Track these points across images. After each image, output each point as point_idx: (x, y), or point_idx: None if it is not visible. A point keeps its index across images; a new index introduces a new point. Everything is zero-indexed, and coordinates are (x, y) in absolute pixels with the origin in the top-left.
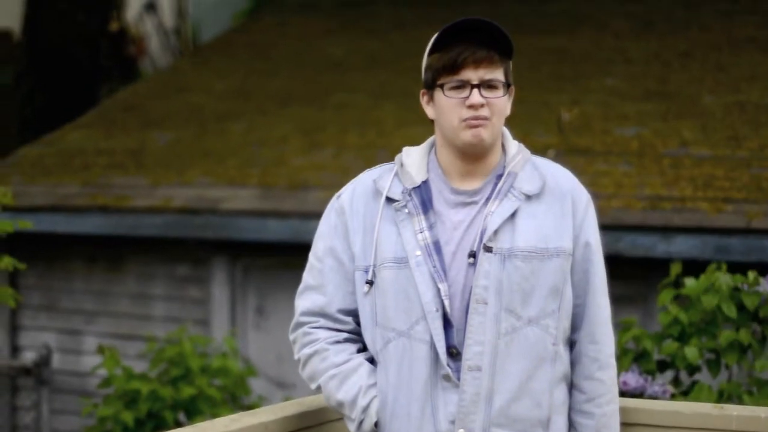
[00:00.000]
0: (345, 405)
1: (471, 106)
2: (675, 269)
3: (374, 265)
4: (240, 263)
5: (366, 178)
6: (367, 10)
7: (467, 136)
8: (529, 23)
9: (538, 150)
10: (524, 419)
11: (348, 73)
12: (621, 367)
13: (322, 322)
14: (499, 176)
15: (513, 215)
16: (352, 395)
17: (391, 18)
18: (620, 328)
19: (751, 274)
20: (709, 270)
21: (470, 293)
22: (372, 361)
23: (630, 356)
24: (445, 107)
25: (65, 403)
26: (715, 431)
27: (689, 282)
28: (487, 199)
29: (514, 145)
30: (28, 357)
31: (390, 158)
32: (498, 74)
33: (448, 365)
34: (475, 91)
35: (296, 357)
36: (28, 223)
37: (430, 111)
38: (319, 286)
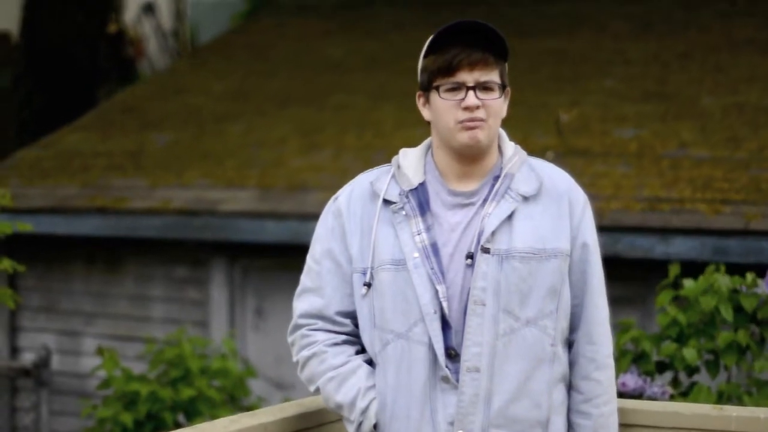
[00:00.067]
0: (344, 407)
1: (467, 108)
2: (674, 270)
3: (372, 267)
4: (239, 264)
5: (363, 180)
6: (365, 12)
7: (463, 137)
8: (528, 24)
9: (536, 151)
10: (523, 420)
11: (347, 75)
12: (620, 369)
13: (321, 324)
14: (496, 178)
15: (510, 216)
16: (351, 397)
17: (390, 19)
18: (619, 329)
19: (750, 276)
20: (707, 271)
21: (468, 295)
22: (370, 362)
23: (629, 357)
24: (441, 109)
25: (64, 404)
26: None
27: (688, 283)
28: (484, 201)
29: (510, 147)
30: (28, 358)
31: (389, 159)
32: (493, 76)
33: (447, 367)
34: (471, 93)
35: (295, 359)
36: (27, 226)
37: (426, 113)
38: (316, 289)
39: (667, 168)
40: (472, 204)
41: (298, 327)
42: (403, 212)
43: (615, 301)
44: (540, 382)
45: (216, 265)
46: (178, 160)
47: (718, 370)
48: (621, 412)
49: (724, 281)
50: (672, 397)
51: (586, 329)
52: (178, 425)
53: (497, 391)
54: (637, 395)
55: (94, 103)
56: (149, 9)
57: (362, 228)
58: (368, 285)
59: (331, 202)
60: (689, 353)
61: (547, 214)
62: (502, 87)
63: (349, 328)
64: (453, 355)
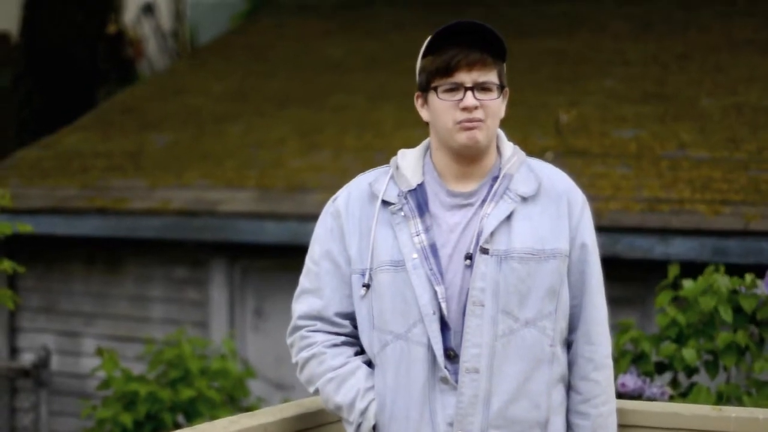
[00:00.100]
0: (343, 408)
1: (465, 109)
2: (673, 271)
3: (371, 269)
4: (238, 265)
5: (362, 182)
6: (365, 12)
7: (462, 138)
8: (528, 25)
9: (536, 152)
10: (522, 421)
11: (346, 75)
12: (619, 369)
13: (320, 325)
14: (495, 178)
15: (509, 217)
16: (350, 398)
17: (390, 19)
18: (618, 329)
19: (749, 277)
20: (707, 272)
21: (467, 295)
22: (369, 364)
23: (628, 358)
24: (439, 110)
25: (64, 404)
26: None
27: (687, 284)
28: (483, 202)
29: (509, 147)
30: (27, 359)
31: (389, 160)
32: (491, 76)
33: (446, 368)
34: (469, 93)
35: (294, 360)
36: (27, 226)
37: (424, 114)
38: (315, 290)
39: (666, 168)
40: (470, 205)
41: (297, 328)
42: (402, 213)
43: (614, 302)
44: (539, 382)
45: (215, 265)
46: (177, 161)
47: (717, 370)
48: (620, 412)
49: (723, 282)
50: (671, 398)
51: (584, 329)
52: (178, 426)
53: (496, 392)
54: (637, 396)
55: (94, 103)
56: (149, 9)
57: (361, 229)
58: (367, 286)
59: (329, 203)
60: (688, 354)
61: (545, 214)
62: (501, 87)
63: (348, 329)
64: (452, 355)
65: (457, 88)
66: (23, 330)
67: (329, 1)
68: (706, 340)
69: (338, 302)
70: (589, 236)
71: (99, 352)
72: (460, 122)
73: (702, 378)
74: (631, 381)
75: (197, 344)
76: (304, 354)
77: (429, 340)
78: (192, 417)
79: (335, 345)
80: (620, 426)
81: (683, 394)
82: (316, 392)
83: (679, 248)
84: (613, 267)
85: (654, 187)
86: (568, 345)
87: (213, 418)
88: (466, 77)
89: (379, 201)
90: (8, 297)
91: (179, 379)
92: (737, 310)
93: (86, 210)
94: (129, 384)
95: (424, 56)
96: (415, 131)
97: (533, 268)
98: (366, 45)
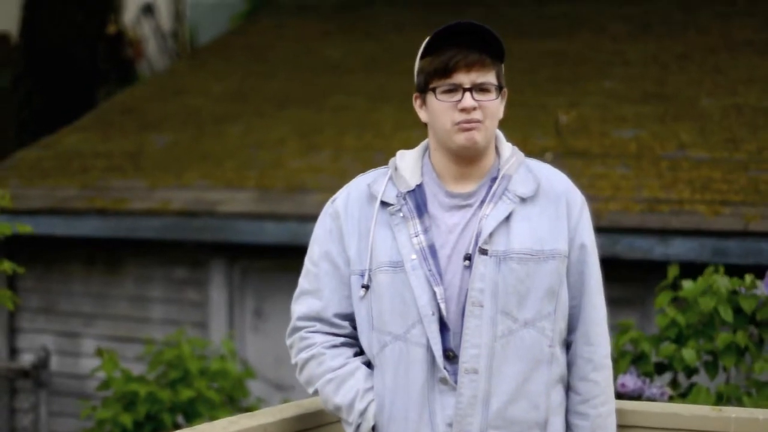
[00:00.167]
0: (342, 409)
1: (463, 110)
2: (673, 272)
3: (370, 269)
4: (238, 266)
5: (360, 183)
6: (365, 12)
7: (460, 139)
8: (528, 25)
9: (535, 152)
10: (521, 421)
11: (346, 76)
12: (619, 370)
13: (319, 326)
14: (494, 179)
15: (508, 218)
16: (349, 399)
17: (390, 20)
18: (618, 330)
19: (749, 277)
20: (706, 272)
21: (466, 296)
22: (369, 365)
23: (628, 358)
24: (438, 111)
25: (63, 405)
26: None
27: (687, 284)
28: (482, 202)
29: (507, 148)
30: (27, 359)
31: (388, 161)
32: (490, 77)
33: (445, 368)
34: (467, 94)
35: (293, 361)
36: (27, 227)
37: (423, 114)
38: (315, 291)
39: (666, 169)
40: (469, 205)
41: (296, 329)
42: (401, 214)
43: (614, 302)
44: (538, 383)
45: (215, 266)
46: (177, 161)
47: (717, 371)
48: (620, 413)
49: (723, 282)
50: (671, 398)
51: (583, 330)
52: (177, 426)
53: (495, 393)
54: (636, 396)
55: (94, 103)
56: (148, 10)
57: (360, 230)
58: (366, 287)
59: (328, 204)
60: (688, 354)
61: (544, 215)
62: (499, 88)
63: (348, 330)
64: (451, 356)
65: (455, 89)
66: (23, 330)
67: (329, 2)
68: (706, 341)
69: (337, 303)
70: (588, 237)
71: (99, 352)
72: (458, 123)
73: (702, 378)
74: (630, 381)
75: (197, 345)
76: (304, 355)
77: (428, 340)
78: (191, 417)
79: (334, 346)
80: (620, 426)
81: (683, 395)
82: (316, 393)
83: (679, 249)
84: (613, 267)
85: (654, 188)
86: (567, 345)
87: (212, 418)
88: (464, 78)
89: (378, 202)
90: (8, 297)
91: (179, 380)
92: (737, 310)
93: (86, 210)
94: (129, 384)
95: (422, 57)
96: (414, 132)
97: (532, 269)
98: (365, 46)
